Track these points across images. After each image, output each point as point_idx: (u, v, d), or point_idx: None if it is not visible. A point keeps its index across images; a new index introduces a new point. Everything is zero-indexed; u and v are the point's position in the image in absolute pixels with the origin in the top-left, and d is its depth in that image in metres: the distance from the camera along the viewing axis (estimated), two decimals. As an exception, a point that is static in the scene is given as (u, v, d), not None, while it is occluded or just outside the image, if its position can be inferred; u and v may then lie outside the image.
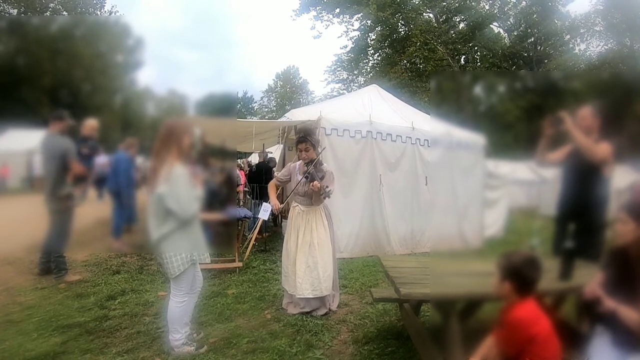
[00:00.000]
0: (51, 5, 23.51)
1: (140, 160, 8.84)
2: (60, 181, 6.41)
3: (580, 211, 3.79)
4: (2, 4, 21.96)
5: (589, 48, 25.66)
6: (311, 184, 5.02)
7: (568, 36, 26.34)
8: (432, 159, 9.62)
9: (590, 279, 3.03)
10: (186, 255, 3.88)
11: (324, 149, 5.80)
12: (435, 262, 4.40)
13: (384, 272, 4.23)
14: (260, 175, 11.18)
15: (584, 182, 3.82)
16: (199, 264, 4.17)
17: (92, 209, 8.35)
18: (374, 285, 6.51)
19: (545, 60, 25.90)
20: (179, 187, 3.69)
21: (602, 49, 24.75)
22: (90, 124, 6.73)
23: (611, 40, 25.06)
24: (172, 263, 3.84)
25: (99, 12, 26.50)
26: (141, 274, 7.04)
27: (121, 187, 8.50)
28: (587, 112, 3.88)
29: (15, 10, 21.88)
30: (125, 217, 8.71)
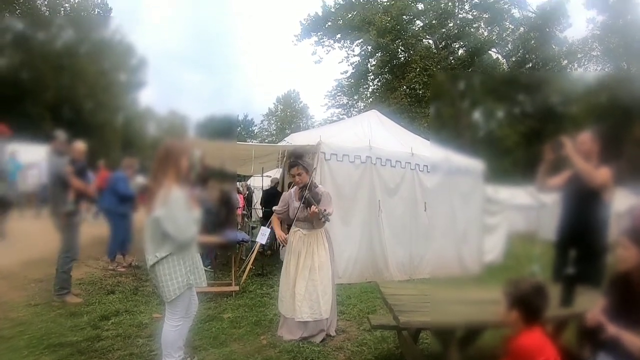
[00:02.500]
0: (57, 21, 23.67)
1: (140, 180, 8.85)
2: (60, 199, 6.37)
3: (581, 236, 3.76)
4: (8, 17, 22.10)
5: (587, 73, 25.90)
6: (309, 209, 4.98)
7: (566, 61, 26.59)
8: (431, 184, 9.61)
9: (592, 305, 2.99)
10: (182, 279, 3.80)
11: (314, 169, 5.77)
12: (434, 290, 4.34)
13: (383, 299, 4.17)
14: (272, 200, 11.11)
15: (584, 207, 3.80)
16: (195, 287, 4.10)
17: (90, 226, 8.33)
18: (372, 312, 6.42)
19: (543, 86, 25.90)
20: (176, 210, 3.63)
21: (600, 73, 24.97)
22: (78, 147, 6.77)
23: (608, 65, 25.31)
24: (167, 287, 3.75)
25: (103, 30, 26.70)
26: (136, 294, 6.94)
27: (115, 207, 8.50)
28: (586, 137, 3.89)
29: (22, 24, 22.02)
30: (119, 242, 8.69)
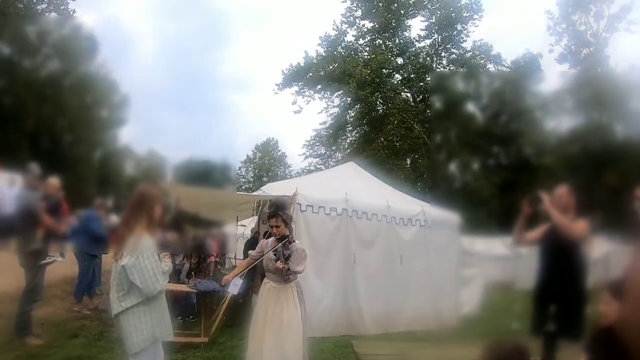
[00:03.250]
0: (44, 50, 23.50)
1: (114, 219, 8.64)
2: (28, 235, 6.13)
3: (560, 291, 3.74)
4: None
5: (560, 124, 26.46)
6: (276, 262, 4.87)
7: (539, 113, 27.20)
8: (408, 237, 9.58)
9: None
10: (148, 332, 3.61)
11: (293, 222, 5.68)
12: (410, 348, 4.22)
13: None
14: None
15: (562, 261, 3.80)
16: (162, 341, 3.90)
17: (59, 263, 8.02)
18: (346, 368, 6.24)
19: (517, 138, 26.54)
20: (144, 260, 3.49)
21: (572, 124, 25.54)
22: (53, 183, 6.61)
23: (581, 116, 25.96)
24: (132, 339, 3.56)
25: (89, 64, 26.54)
26: (100, 340, 6.63)
27: (87, 247, 8.26)
28: (563, 191, 3.94)
29: (8, 49, 21.79)
30: (87, 283, 8.41)
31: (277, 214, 5.05)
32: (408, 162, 30.39)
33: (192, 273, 9.56)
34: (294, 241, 5.17)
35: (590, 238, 3.77)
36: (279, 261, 4.82)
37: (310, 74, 29.60)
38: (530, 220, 4.03)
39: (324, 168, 29.69)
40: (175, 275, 9.25)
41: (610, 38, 25.64)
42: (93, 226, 8.27)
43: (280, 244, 4.94)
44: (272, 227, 5.10)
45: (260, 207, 11.50)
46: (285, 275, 4.82)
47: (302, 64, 29.73)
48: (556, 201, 3.89)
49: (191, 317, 8.21)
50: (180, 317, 7.79)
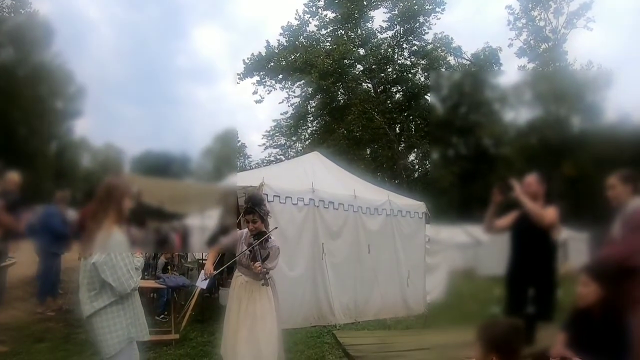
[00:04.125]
0: None
1: (71, 214, 8.28)
2: None
3: (535, 275, 3.83)
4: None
5: (519, 116, 26.93)
6: (253, 263, 4.76)
7: (498, 105, 27.71)
8: (375, 227, 9.63)
9: (549, 339, 3.02)
10: (123, 332, 3.44)
11: (271, 218, 5.57)
12: (392, 336, 4.24)
13: (343, 350, 3.98)
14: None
15: (534, 246, 3.87)
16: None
17: (19, 264, 7.71)
18: (321, 358, 6.23)
19: (476, 129, 26.87)
20: (116, 256, 3.31)
21: (531, 116, 26.05)
22: (12, 178, 6.24)
23: (539, 109, 26.50)
24: (107, 341, 3.37)
25: (44, 53, 25.34)
26: (67, 342, 6.36)
27: (48, 245, 7.92)
28: (532, 179, 4.02)
29: None
30: (49, 284, 8.12)
31: (253, 209, 4.90)
32: (368, 152, 30.51)
33: (168, 268, 9.37)
34: (270, 238, 5.07)
35: (559, 224, 3.86)
36: (257, 262, 4.69)
37: (272, 64, 29.36)
38: (499, 208, 4.09)
39: (284, 159, 29.60)
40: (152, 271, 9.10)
41: (569, 34, 26.20)
42: (53, 222, 7.91)
43: (257, 243, 4.81)
44: (248, 222, 4.96)
45: (224, 199, 11.37)
46: (262, 280, 4.73)
47: (263, 54, 29.46)
48: (526, 189, 3.97)
49: (163, 315, 8.06)
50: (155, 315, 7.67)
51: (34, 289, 8.34)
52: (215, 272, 5.30)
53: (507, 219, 4.18)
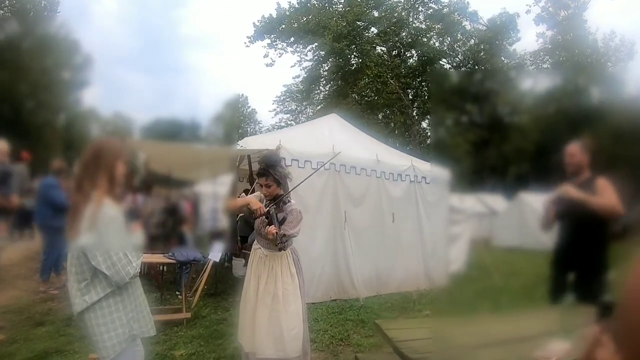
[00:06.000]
0: (0, 11, 21.78)
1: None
2: None
3: (582, 260, 3.35)
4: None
5: (535, 85, 26.38)
6: (267, 228, 4.02)
7: (514, 73, 27.18)
8: (398, 194, 9.00)
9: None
10: (123, 329, 2.78)
11: (289, 179, 4.84)
12: (444, 327, 3.61)
13: (394, 349, 3.35)
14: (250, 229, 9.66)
15: (588, 233, 3.37)
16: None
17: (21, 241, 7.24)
18: (345, 338, 5.71)
19: (491, 96, 26.39)
20: (109, 236, 2.62)
21: (549, 85, 25.50)
22: None
23: (558, 77, 25.87)
24: (104, 342, 2.72)
25: (49, 25, 24.81)
26: (69, 326, 5.72)
27: (50, 219, 7.37)
28: (575, 149, 3.53)
29: None
30: (54, 259, 7.60)
31: (267, 172, 4.25)
32: (380, 117, 29.89)
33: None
34: (289, 201, 4.40)
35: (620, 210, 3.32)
36: (272, 226, 3.95)
37: (283, 26, 28.56)
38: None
39: (294, 124, 29.10)
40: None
41: (590, 2, 25.62)
42: (53, 194, 7.31)
43: (272, 205, 4.14)
44: (261, 186, 4.31)
45: (238, 164, 10.82)
46: (280, 243, 3.93)
47: (274, 16, 28.63)
48: (569, 160, 3.53)
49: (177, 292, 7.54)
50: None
51: (38, 265, 7.83)
52: (272, 204, 4.29)
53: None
